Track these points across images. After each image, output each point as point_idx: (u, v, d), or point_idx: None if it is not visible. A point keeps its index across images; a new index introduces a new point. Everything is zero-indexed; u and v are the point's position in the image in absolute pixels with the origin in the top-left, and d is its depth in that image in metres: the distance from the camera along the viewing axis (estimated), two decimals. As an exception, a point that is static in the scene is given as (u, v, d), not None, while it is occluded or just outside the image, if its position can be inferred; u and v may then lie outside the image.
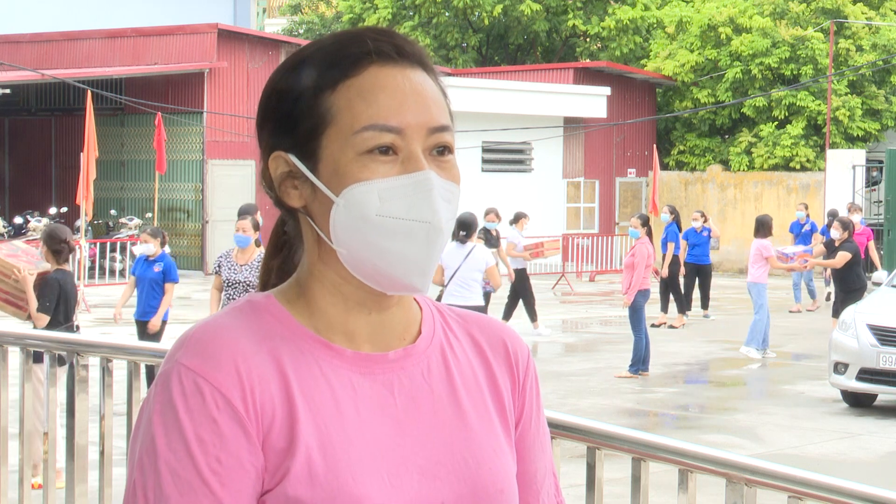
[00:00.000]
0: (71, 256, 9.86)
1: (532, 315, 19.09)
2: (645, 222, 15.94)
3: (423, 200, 1.59)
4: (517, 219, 20.26)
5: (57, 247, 9.56)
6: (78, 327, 9.90)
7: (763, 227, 17.34)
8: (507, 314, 18.83)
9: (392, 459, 1.60)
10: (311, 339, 1.62)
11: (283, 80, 1.66)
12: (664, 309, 21.03)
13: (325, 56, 1.64)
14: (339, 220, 1.59)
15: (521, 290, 19.06)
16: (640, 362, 15.37)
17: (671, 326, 20.67)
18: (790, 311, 22.88)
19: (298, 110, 1.63)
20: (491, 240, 18.13)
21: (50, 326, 9.46)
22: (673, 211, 21.81)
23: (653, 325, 20.64)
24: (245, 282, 10.97)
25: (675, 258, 21.28)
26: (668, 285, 21.21)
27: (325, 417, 1.58)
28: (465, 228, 13.10)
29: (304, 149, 1.62)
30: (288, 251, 1.74)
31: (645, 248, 15.59)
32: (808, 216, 24.37)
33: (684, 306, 21.19)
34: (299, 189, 1.64)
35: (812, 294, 23.62)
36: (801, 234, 23.89)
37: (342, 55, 1.63)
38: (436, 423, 1.65)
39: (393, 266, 1.59)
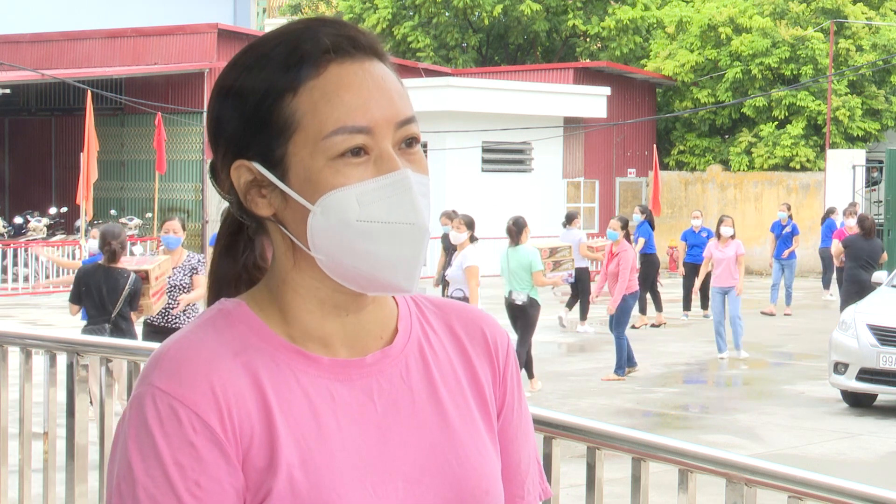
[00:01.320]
0: (123, 254, 10.60)
1: (583, 313, 19.90)
2: (625, 225, 16.15)
3: (404, 201, 1.55)
4: (571, 219, 20.44)
5: (103, 248, 10.35)
6: (113, 326, 10.16)
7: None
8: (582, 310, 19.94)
9: (375, 468, 1.57)
10: (286, 349, 1.58)
11: (239, 82, 1.59)
12: (643, 311, 21.00)
13: (281, 56, 1.57)
14: (317, 227, 1.55)
15: (582, 288, 19.55)
16: (625, 364, 15.40)
17: (653, 325, 20.73)
18: (762, 312, 22.63)
19: (260, 116, 1.57)
20: (450, 247, 16.89)
21: (88, 319, 10.42)
22: (644, 210, 21.92)
23: (652, 325, 20.67)
24: (179, 285, 10.88)
25: (652, 256, 21.26)
26: (644, 285, 21.19)
27: (305, 431, 1.55)
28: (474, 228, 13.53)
29: (270, 156, 1.57)
30: (249, 252, 1.69)
31: (629, 255, 15.76)
32: (790, 217, 24.14)
33: (660, 304, 21.22)
34: (268, 197, 1.58)
35: (788, 298, 23.06)
36: (782, 235, 23.73)
37: (300, 55, 1.57)
38: (417, 427, 1.62)
39: (379, 269, 1.55)
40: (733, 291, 17.02)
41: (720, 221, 17.65)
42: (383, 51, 1.62)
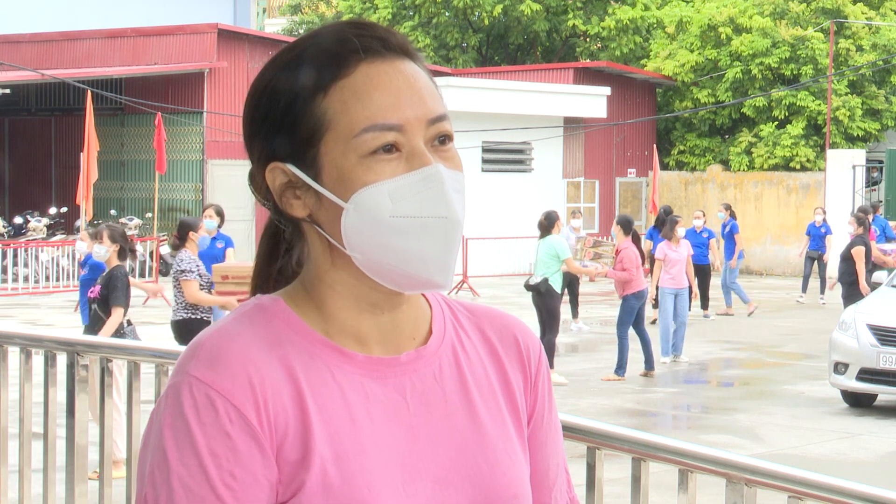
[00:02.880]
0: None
1: (574, 310, 20.06)
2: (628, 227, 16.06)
3: (436, 195, 1.55)
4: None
5: (124, 245, 10.51)
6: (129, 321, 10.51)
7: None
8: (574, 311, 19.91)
9: (405, 467, 1.57)
10: (321, 344, 1.59)
11: (269, 86, 1.60)
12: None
13: (311, 58, 1.58)
14: (351, 225, 1.55)
15: (572, 286, 19.42)
16: (625, 364, 15.37)
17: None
18: (717, 314, 22.35)
19: (291, 117, 1.58)
20: None
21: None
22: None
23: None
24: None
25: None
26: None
27: (339, 426, 1.55)
28: None
29: (302, 157, 1.58)
30: (288, 256, 1.69)
31: (630, 252, 15.51)
32: (731, 216, 23.66)
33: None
34: (302, 198, 1.59)
35: (728, 300, 22.73)
36: (724, 235, 23.38)
37: (329, 56, 1.58)
38: (448, 428, 1.62)
39: (413, 265, 1.55)
40: (684, 293, 16.69)
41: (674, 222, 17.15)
42: (415, 51, 1.63)
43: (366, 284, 1.59)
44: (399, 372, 1.61)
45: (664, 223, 21.32)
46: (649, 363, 15.52)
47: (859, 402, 13.84)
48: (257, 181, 1.64)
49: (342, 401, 1.57)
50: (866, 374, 13.47)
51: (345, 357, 1.59)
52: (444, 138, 1.59)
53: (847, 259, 17.37)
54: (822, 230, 24.20)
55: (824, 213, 24.83)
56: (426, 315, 1.68)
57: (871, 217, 22.21)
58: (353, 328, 1.61)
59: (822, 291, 24.42)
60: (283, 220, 1.64)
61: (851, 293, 16.88)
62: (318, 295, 1.62)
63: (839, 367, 13.67)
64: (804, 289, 24.59)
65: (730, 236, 23.18)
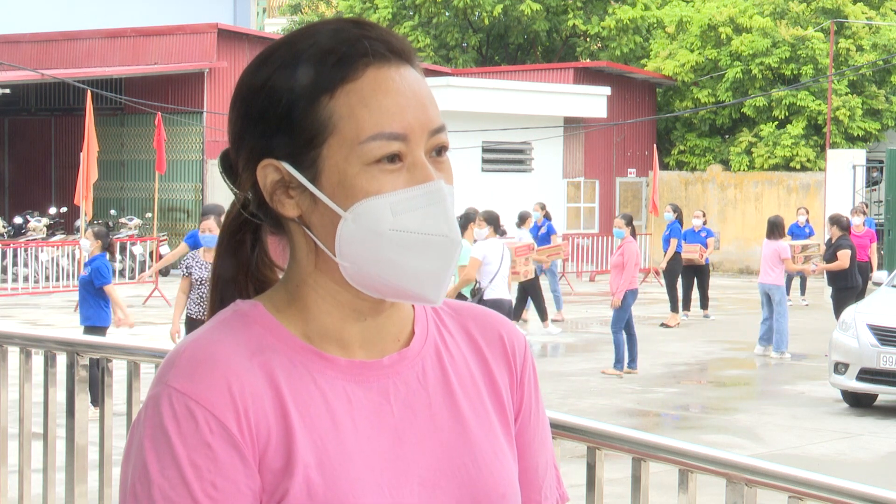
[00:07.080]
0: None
1: (542, 314, 19.57)
2: (629, 222, 15.96)
3: (438, 213, 1.53)
4: (523, 219, 20.47)
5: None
6: None
7: (777, 229, 17.32)
8: (518, 313, 19.21)
9: (391, 471, 1.56)
10: (303, 350, 1.57)
11: (271, 81, 1.56)
12: (674, 308, 21.13)
13: (314, 57, 1.55)
14: (347, 234, 1.53)
15: (534, 291, 19.36)
16: (622, 359, 15.46)
17: (664, 325, 20.70)
18: (553, 320, 20.70)
19: (294, 116, 1.54)
20: None
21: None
22: (675, 209, 21.86)
23: (662, 325, 20.66)
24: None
25: (678, 256, 21.27)
26: (670, 283, 21.26)
27: (322, 432, 1.54)
28: (498, 223, 14.06)
29: (301, 158, 1.54)
30: (258, 252, 1.66)
31: (633, 248, 15.64)
32: (545, 217, 22.38)
33: (677, 305, 21.23)
34: (295, 199, 1.56)
35: (558, 302, 21.24)
36: (538, 237, 21.77)
37: (337, 57, 1.54)
38: (433, 429, 1.61)
39: (407, 280, 1.53)
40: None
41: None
42: (415, 56, 1.60)
43: (349, 292, 1.58)
44: (382, 375, 1.60)
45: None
46: (632, 362, 15.64)
47: (859, 402, 13.84)
48: (238, 172, 1.60)
49: (325, 406, 1.55)
50: (866, 374, 13.48)
51: (326, 362, 1.58)
52: (441, 149, 1.57)
53: (834, 261, 17.44)
54: (807, 230, 24.16)
55: (807, 212, 24.81)
56: (409, 316, 1.66)
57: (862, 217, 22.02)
58: (336, 333, 1.59)
59: (803, 292, 24.29)
60: (266, 216, 1.61)
61: (842, 295, 16.89)
62: (302, 298, 1.59)
63: (839, 367, 13.67)
64: (787, 291, 24.46)
65: (546, 238, 21.73)
